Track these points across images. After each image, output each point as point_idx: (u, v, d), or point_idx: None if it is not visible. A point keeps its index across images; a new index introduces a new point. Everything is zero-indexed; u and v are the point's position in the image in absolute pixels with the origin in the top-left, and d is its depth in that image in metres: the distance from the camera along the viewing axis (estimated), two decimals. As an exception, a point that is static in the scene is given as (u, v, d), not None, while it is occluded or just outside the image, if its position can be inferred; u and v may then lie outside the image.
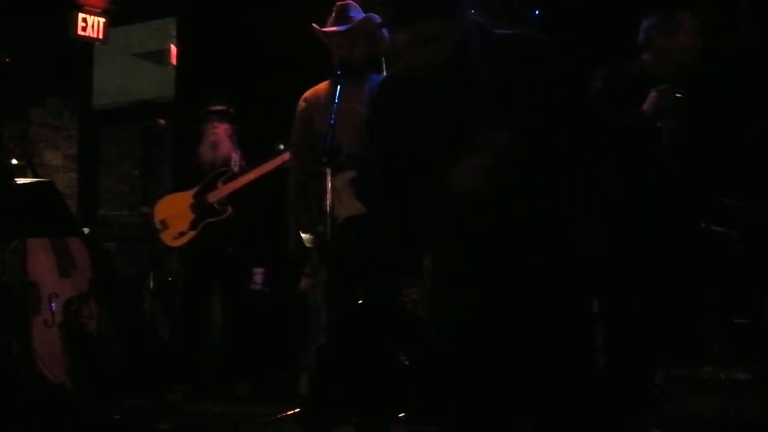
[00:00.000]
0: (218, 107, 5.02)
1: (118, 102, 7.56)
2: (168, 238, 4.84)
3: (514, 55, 2.19)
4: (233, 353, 4.99)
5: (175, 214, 4.82)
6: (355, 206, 3.25)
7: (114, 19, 6.45)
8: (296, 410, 4.13)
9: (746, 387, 3.18)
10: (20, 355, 4.32)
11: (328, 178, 3.05)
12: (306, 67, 4.09)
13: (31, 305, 4.49)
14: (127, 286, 5.89)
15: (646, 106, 3.10)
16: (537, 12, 4.50)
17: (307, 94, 3.64)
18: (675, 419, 3.19)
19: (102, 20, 6.33)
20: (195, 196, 4.87)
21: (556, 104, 2.20)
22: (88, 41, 6.43)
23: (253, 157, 4.88)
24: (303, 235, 3.63)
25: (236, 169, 4.88)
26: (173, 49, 6.94)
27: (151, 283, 5.69)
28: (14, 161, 5.27)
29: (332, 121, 3.08)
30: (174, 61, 6.89)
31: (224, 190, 4.81)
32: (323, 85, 3.59)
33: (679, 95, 3.10)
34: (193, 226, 4.82)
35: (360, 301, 3.35)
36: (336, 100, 3.16)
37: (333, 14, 3.54)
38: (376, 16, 3.49)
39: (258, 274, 5.43)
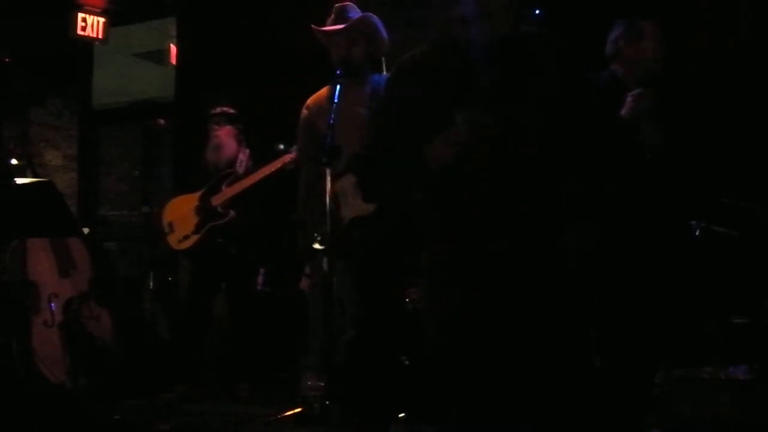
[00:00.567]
0: (219, 110, 5.02)
1: (118, 102, 7.56)
2: (173, 241, 4.85)
3: (543, 50, 2.21)
4: (233, 353, 4.99)
5: (180, 216, 4.83)
6: (361, 207, 3.25)
7: (114, 19, 6.45)
8: (296, 410, 4.13)
9: (746, 387, 3.18)
10: (20, 355, 4.32)
11: (328, 178, 3.05)
12: (306, 67, 4.10)
13: (31, 305, 4.49)
14: (127, 286, 5.89)
15: (624, 111, 3.18)
16: (537, 12, 4.50)
17: (309, 101, 3.65)
18: (675, 419, 3.18)
19: (102, 20, 6.33)
20: (200, 198, 4.87)
21: (571, 102, 2.22)
22: (88, 41, 6.43)
23: (253, 157, 4.89)
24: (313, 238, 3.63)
25: (242, 170, 4.87)
26: (173, 49, 6.94)
27: (151, 283, 5.70)
28: (14, 161, 5.27)
29: (331, 121, 3.08)
30: (174, 61, 6.89)
31: (227, 193, 4.81)
32: (324, 90, 3.60)
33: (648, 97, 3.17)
34: (197, 229, 4.82)
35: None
36: (335, 100, 3.16)
37: (332, 15, 3.55)
38: (374, 16, 3.49)
39: (259, 275, 5.44)
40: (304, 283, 4.56)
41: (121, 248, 6.64)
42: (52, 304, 4.55)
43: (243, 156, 4.94)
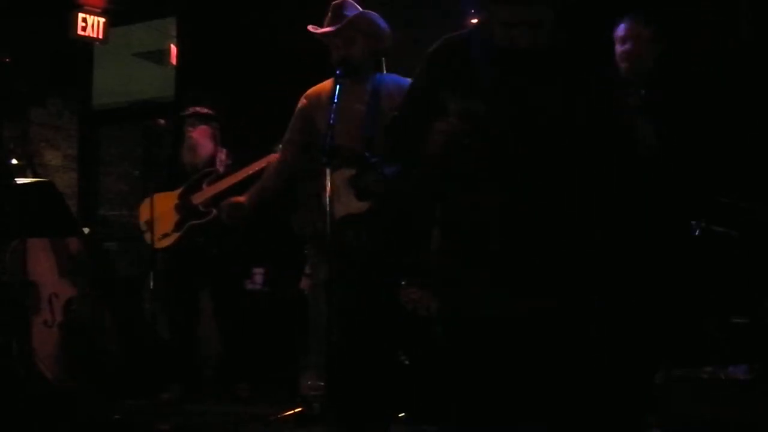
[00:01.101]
0: (191, 110, 5.00)
1: (118, 102, 7.56)
2: (153, 239, 4.82)
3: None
4: (233, 353, 4.99)
5: (159, 215, 4.76)
6: (353, 205, 3.25)
7: (114, 19, 6.45)
8: (296, 410, 4.13)
9: (746, 387, 3.18)
10: (20, 355, 4.31)
11: (328, 177, 3.05)
12: (306, 67, 4.09)
13: (31, 305, 4.49)
14: (127, 286, 5.89)
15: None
16: None
17: (310, 91, 3.61)
18: (675, 419, 3.18)
19: (102, 20, 6.33)
20: (180, 196, 4.85)
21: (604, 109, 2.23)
22: (88, 41, 6.43)
23: (253, 157, 4.87)
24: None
25: (221, 168, 4.85)
26: (173, 49, 6.94)
27: (151, 283, 5.69)
28: (14, 161, 5.27)
29: (332, 121, 3.07)
30: (174, 61, 6.90)
31: (208, 191, 4.79)
32: (327, 84, 3.55)
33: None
34: (177, 227, 4.80)
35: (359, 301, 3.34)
36: (335, 100, 3.16)
37: (328, 14, 3.52)
38: (370, 12, 3.46)
39: (258, 274, 5.43)
40: (304, 283, 4.56)
41: (121, 248, 6.63)
42: (52, 304, 4.55)
43: (222, 155, 4.92)
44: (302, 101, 3.62)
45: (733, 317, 3.54)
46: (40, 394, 4.21)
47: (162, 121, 4.90)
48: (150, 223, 4.79)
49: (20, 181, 3.93)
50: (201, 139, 4.94)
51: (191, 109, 5.01)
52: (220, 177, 4.78)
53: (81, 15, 6.21)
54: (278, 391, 4.78)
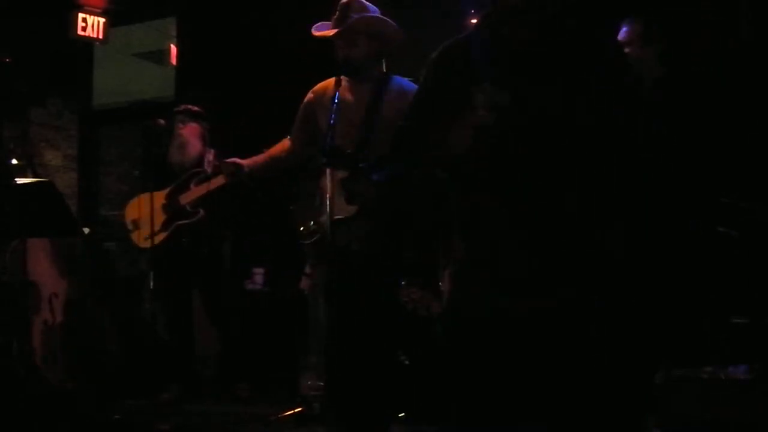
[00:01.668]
0: (182, 107, 4.99)
1: (118, 102, 7.56)
2: (139, 239, 4.81)
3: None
4: (233, 353, 4.99)
5: (146, 214, 4.71)
6: (344, 208, 3.25)
7: (114, 19, 6.45)
8: (296, 410, 4.13)
9: (746, 387, 3.18)
10: (20, 355, 4.32)
11: (328, 177, 3.05)
12: (306, 67, 4.09)
13: (31, 305, 4.49)
14: (127, 286, 5.89)
15: None
16: None
17: (317, 86, 3.60)
18: (675, 419, 3.18)
19: (102, 20, 6.32)
20: (167, 196, 4.83)
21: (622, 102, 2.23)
22: (88, 41, 6.42)
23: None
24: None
25: (209, 169, 4.83)
26: (173, 49, 6.94)
27: (151, 283, 5.69)
28: (14, 161, 5.27)
29: (332, 122, 3.08)
30: (174, 61, 6.89)
31: (196, 192, 4.77)
32: (332, 81, 3.55)
33: None
34: (164, 227, 4.78)
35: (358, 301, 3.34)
36: (335, 101, 3.16)
37: (336, 12, 3.51)
38: (376, 15, 3.45)
39: (258, 274, 5.43)
40: (304, 283, 4.57)
41: (121, 248, 6.63)
42: (52, 304, 4.55)
43: (210, 156, 4.89)
44: (309, 95, 3.62)
45: (733, 317, 3.54)
46: (40, 394, 4.21)
47: (162, 121, 4.89)
48: (136, 223, 4.79)
49: (20, 181, 3.94)
50: (191, 137, 4.93)
51: (182, 107, 4.99)
52: (208, 177, 4.72)
53: (81, 15, 6.20)
54: (278, 391, 4.79)
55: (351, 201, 3.13)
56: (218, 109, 5.19)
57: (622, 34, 3.42)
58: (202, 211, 4.75)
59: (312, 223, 3.45)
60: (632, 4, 3.68)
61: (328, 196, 3.06)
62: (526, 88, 2.17)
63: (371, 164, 3.18)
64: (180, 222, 4.76)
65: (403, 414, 3.89)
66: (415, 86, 2.54)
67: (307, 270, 4.48)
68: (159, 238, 4.75)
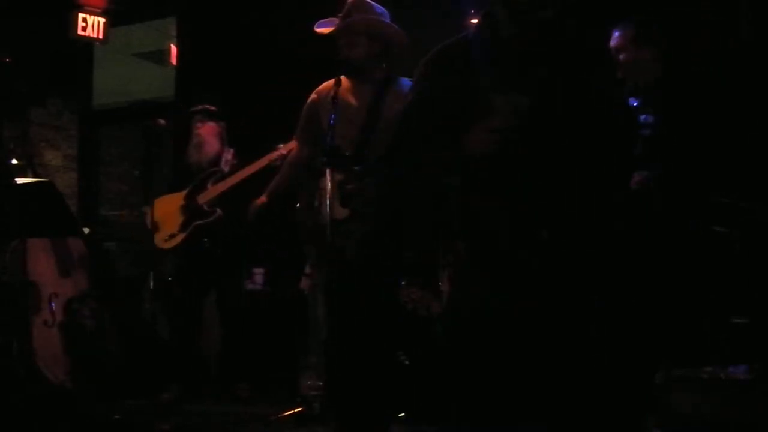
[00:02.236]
0: (200, 107, 5.00)
1: (118, 102, 7.56)
2: (159, 240, 4.82)
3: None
4: (233, 353, 4.99)
5: (166, 215, 4.78)
6: (340, 211, 3.25)
7: (114, 19, 6.45)
8: (296, 410, 4.13)
9: (746, 387, 3.17)
10: (20, 355, 4.32)
11: (328, 178, 3.05)
12: (305, 67, 4.10)
13: (31, 305, 4.49)
14: (127, 286, 5.89)
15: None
16: None
17: (321, 87, 3.60)
18: (675, 419, 3.18)
19: (102, 20, 6.32)
20: (186, 197, 4.84)
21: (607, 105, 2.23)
22: (88, 41, 6.43)
23: (253, 157, 4.86)
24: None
25: (227, 168, 4.84)
26: (173, 49, 6.94)
27: (151, 283, 5.69)
28: (14, 161, 5.27)
29: (332, 122, 3.08)
30: (174, 61, 6.90)
31: (213, 191, 4.78)
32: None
33: None
34: (183, 228, 4.79)
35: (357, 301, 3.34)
36: (336, 101, 3.16)
37: (342, 12, 3.51)
38: (374, 17, 3.45)
39: (258, 274, 5.43)
40: (304, 283, 4.56)
41: (121, 248, 6.63)
42: (52, 304, 4.55)
43: (228, 155, 4.90)
44: (313, 96, 3.62)
45: (733, 317, 3.54)
46: (40, 394, 4.22)
47: (162, 121, 4.89)
48: (157, 224, 4.80)
49: (20, 181, 3.94)
50: (208, 136, 4.93)
51: (200, 106, 5.00)
52: (225, 176, 4.77)
53: (81, 15, 6.20)
54: (278, 391, 4.78)
55: (345, 204, 3.13)
56: (218, 109, 5.18)
57: (614, 40, 3.42)
58: (219, 211, 4.76)
59: (312, 223, 3.45)
60: (631, 5, 3.68)
61: (327, 196, 3.06)
62: (526, 89, 2.18)
63: (370, 165, 3.19)
64: (198, 222, 4.77)
65: (403, 414, 3.89)
66: None
67: (307, 270, 4.48)
68: (178, 239, 4.77)
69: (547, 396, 2.20)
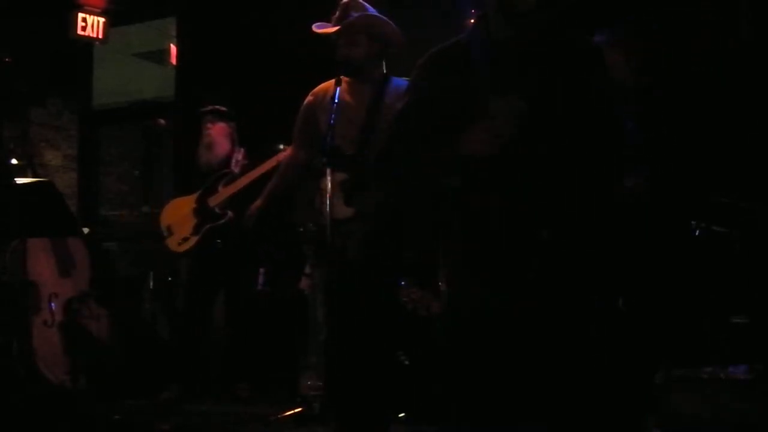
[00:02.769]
0: (210, 107, 4.99)
1: (118, 102, 7.56)
2: (173, 244, 4.82)
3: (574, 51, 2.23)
4: (233, 353, 4.99)
5: (179, 219, 4.80)
6: (343, 211, 3.25)
7: (114, 19, 6.45)
8: (296, 410, 4.13)
9: (746, 387, 3.17)
10: (20, 355, 4.32)
11: (328, 178, 3.05)
12: (305, 67, 4.10)
13: (31, 305, 4.49)
14: (127, 286, 5.89)
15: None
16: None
17: (317, 88, 3.60)
18: (675, 419, 3.18)
19: (102, 20, 6.33)
20: (197, 200, 4.85)
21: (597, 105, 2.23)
22: (88, 41, 6.43)
23: (253, 157, 4.87)
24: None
25: (237, 169, 4.84)
26: (173, 49, 6.94)
27: (151, 283, 5.69)
28: (14, 161, 5.27)
29: (332, 122, 3.08)
30: (174, 61, 6.90)
31: (224, 193, 4.78)
32: (334, 81, 3.55)
33: None
34: (195, 231, 4.80)
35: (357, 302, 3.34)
36: (335, 101, 3.16)
37: (336, 12, 3.50)
38: (373, 15, 3.45)
39: (258, 274, 5.43)
40: (304, 283, 4.56)
41: (121, 248, 6.63)
42: (52, 304, 4.56)
43: (238, 155, 4.90)
44: (309, 98, 3.61)
45: (733, 317, 3.54)
46: (40, 394, 4.22)
47: (162, 121, 4.90)
48: (170, 228, 4.80)
49: (20, 181, 3.93)
50: (218, 137, 4.93)
51: (210, 107, 4.99)
52: (236, 178, 4.77)
53: (81, 15, 6.21)
54: (278, 391, 4.78)
55: (349, 203, 3.13)
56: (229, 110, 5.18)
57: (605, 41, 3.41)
58: (230, 213, 4.75)
59: (312, 223, 3.45)
60: (630, 6, 3.68)
61: (327, 196, 3.06)
62: (525, 89, 2.18)
63: (370, 166, 3.19)
64: (211, 224, 4.77)
65: (403, 414, 3.89)
66: None
67: (307, 270, 4.48)
68: (192, 242, 4.77)
69: (547, 396, 2.20)
